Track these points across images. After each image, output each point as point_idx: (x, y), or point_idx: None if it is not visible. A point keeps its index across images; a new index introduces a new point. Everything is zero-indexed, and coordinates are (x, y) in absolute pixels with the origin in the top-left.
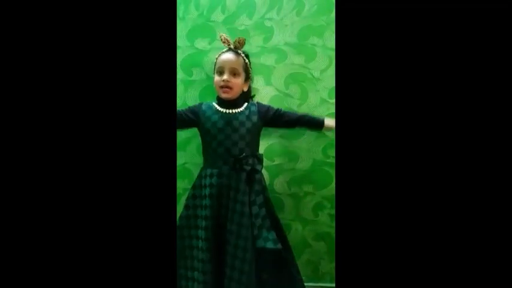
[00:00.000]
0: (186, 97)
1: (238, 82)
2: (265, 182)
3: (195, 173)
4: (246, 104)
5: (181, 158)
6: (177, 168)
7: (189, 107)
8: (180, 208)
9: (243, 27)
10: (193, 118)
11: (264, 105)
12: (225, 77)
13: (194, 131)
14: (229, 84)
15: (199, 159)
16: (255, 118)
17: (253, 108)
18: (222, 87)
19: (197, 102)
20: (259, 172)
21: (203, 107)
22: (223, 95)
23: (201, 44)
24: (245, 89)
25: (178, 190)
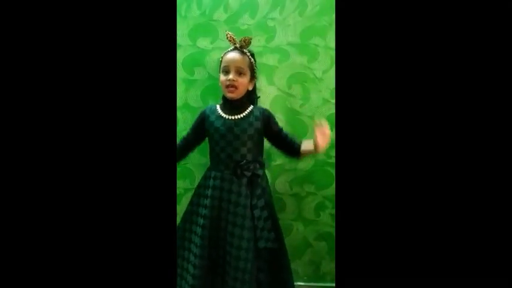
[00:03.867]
0: (187, 96)
1: (244, 81)
2: (267, 184)
3: (196, 173)
4: (250, 108)
5: None
6: (178, 168)
7: (193, 125)
8: (180, 208)
9: (245, 27)
10: (202, 129)
11: (268, 116)
12: (231, 76)
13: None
14: (235, 84)
15: (200, 160)
16: (257, 124)
17: (257, 113)
18: (227, 86)
19: (198, 102)
20: (261, 176)
21: (207, 111)
22: (229, 95)
23: (203, 43)
24: (250, 88)
25: (179, 190)
